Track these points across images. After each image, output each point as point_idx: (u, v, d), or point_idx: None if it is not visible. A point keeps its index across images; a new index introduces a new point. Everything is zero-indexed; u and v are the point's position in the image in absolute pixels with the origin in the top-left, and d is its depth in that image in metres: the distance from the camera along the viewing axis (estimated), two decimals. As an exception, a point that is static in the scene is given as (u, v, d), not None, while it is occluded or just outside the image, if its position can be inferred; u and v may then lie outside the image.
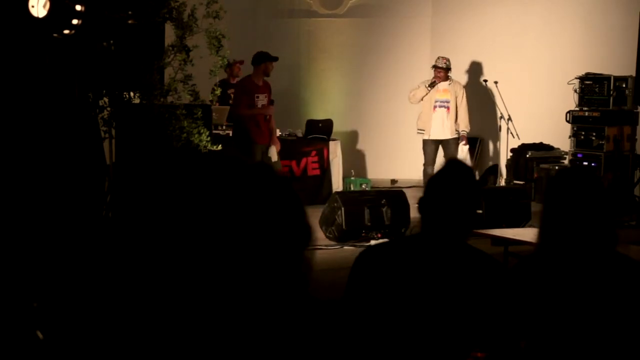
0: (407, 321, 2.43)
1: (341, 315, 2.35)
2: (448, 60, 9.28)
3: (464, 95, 9.39)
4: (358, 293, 2.50)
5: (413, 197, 6.96)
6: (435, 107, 9.27)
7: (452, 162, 2.56)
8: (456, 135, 9.29)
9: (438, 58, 9.31)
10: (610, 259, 2.44)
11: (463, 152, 9.36)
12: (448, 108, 9.28)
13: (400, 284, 2.45)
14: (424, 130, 9.31)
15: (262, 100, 8.33)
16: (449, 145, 9.28)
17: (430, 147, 9.28)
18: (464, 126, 9.32)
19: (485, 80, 9.68)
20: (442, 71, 9.24)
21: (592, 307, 2.39)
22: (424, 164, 9.27)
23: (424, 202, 2.50)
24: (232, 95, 10.06)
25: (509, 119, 9.78)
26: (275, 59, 8.36)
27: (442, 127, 9.27)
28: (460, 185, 2.47)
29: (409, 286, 2.45)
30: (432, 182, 2.51)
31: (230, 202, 1.41)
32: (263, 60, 8.29)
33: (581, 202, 2.43)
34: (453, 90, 9.32)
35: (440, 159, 9.27)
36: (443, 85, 9.29)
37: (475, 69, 9.78)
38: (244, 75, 10.15)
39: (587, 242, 2.42)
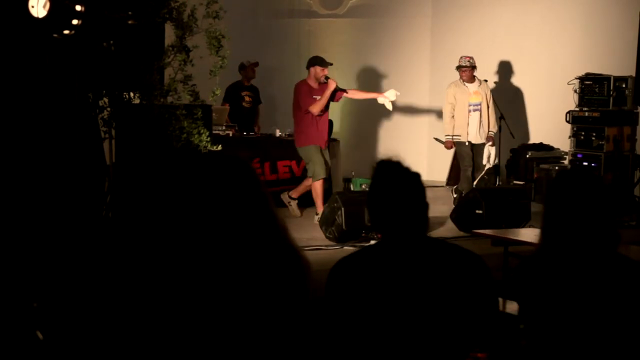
0: (391, 327, 2.40)
1: (324, 330, 2.32)
2: (472, 58, 9.18)
3: (491, 95, 9.33)
4: (340, 308, 2.46)
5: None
6: (469, 111, 9.19)
7: (383, 162, 2.53)
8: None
9: (461, 58, 9.21)
10: (611, 259, 2.44)
11: (491, 153, 9.26)
12: (481, 111, 9.22)
13: (379, 291, 2.42)
14: (459, 135, 9.20)
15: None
16: (480, 149, 9.22)
17: (466, 149, 9.19)
18: (492, 126, 9.26)
19: (485, 80, 9.67)
20: (468, 69, 9.13)
21: (593, 307, 2.39)
22: (464, 167, 9.20)
23: (373, 209, 2.50)
24: (245, 98, 10.13)
25: (504, 118, 9.73)
26: (326, 64, 8.40)
27: (477, 131, 9.22)
28: (400, 181, 2.46)
29: (387, 292, 2.41)
30: (373, 186, 2.51)
31: (230, 203, 1.41)
32: (312, 64, 8.41)
33: (583, 202, 2.42)
34: (483, 92, 9.24)
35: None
36: (473, 87, 9.21)
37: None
38: (251, 77, 10.23)
39: (589, 242, 2.42)
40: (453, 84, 9.29)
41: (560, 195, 2.47)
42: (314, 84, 8.40)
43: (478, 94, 9.22)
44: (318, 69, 8.36)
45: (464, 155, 9.21)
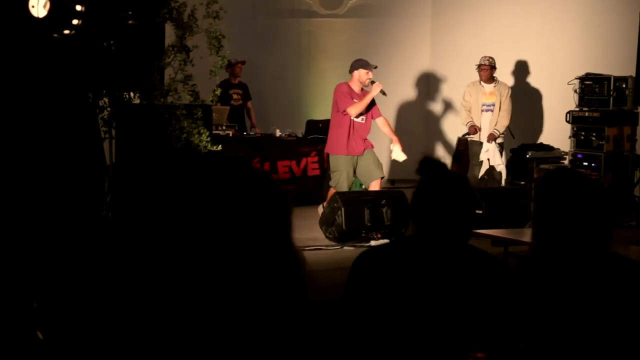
0: (408, 322, 2.43)
1: (339, 316, 2.35)
2: (492, 58, 9.24)
3: (509, 95, 9.30)
4: (357, 294, 2.50)
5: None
6: (482, 111, 9.24)
7: (426, 160, 2.50)
8: (500, 140, 9.25)
9: (482, 57, 9.29)
10: (609, 259, 2.44)
11: (489, 149, 9.15)
12: (493, 111, 9.24)
13: (400, 285, 2.45)
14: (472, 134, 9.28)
15: None
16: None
17: (477, 148, 9.23)
18: (498, 125, 9.21)
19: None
20: (487, 68, 9.18)
21: (591, 307, 2.39)
22: (472, 165, 9.25)
23: (416, 205, 2.49)
24: (233, 96, 10.11)
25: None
26: (370, 66, 7.89)
27: (489, 131, 9.22)
28: (450, 185, 2.46)
29: (409, 287, 2.45)
30: (422, 184, 2.49)
31: (231, 203, 1.41)
32: (355, 68, 7.95)
33: (568, 202, 2.43)
34: (498, 92, 9.25)
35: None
36: (489, 88, 9.26)
37: (475, 69, 9.76)
38: (243, 75, 10.23)
39: (580, 241, 2.42)
40: (471, 83, 9.42)
41: (545, 195, 2.48)
42: (356, 87, 7.95)
43: (493, 94, 9.28)
44: (362, 71, 7.87)
45: (472, 154, 9.30)
